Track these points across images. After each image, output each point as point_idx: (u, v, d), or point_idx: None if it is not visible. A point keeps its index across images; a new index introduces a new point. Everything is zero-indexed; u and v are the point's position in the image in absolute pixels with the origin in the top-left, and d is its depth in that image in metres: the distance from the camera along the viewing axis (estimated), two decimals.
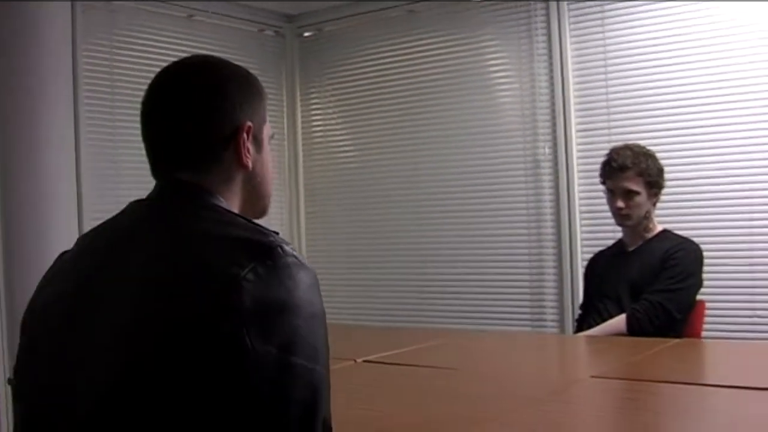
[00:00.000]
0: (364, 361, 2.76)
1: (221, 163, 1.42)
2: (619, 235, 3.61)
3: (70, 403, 1.27)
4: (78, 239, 1.48)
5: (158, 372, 1.19)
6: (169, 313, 1.21)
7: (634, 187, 3.35)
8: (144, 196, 1.45)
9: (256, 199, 1.49)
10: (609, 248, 3.67)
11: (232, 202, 1.44)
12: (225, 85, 1.44)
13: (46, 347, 1.35)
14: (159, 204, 1.41)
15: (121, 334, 1.24)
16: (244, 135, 1.42)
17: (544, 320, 4.70)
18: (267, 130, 1.51)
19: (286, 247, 1.27)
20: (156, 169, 1.44)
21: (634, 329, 3.21)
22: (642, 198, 3.36)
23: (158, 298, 1.24)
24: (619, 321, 3.28)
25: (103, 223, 1.46)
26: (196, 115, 1.40)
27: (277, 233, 1.32)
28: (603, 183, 3.48)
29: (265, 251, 1.24)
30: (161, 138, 1.43)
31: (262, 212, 1.52)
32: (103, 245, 1.39)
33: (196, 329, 1.18)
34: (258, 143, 1.47)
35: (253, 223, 1.33)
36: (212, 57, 1.52)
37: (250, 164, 1.44)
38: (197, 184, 1.40)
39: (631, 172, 3.34)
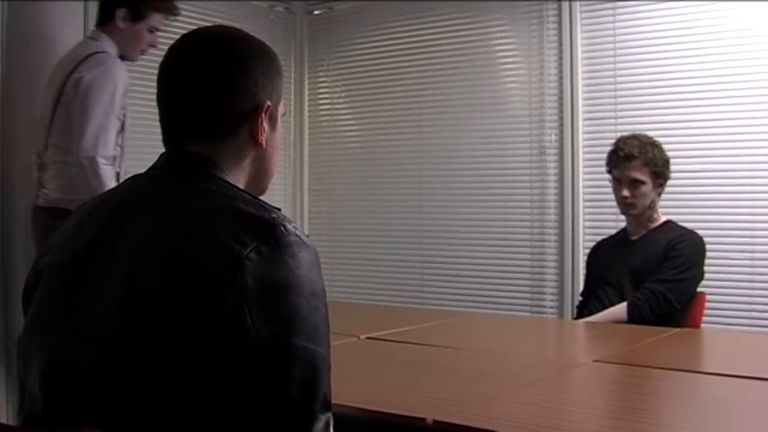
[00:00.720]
0: (368, 338, 2.78)
1: (236, 139, 1.42)
2: (622, 224, 3.63)
3: (73, 369, 1.27)
4: (76, 209, 1.48)
5: (159, 343, 1.20)
6: (169, 286, 1.22)
7: (640, 176, 3.37)
8: (145, 168, 1.45)
9: (261, 176, 1.50)
10: (611, 237, 3.69)
11: (239, 177, 1.44)
12: (250, 61, 1.44)
13: (49, 314, 1.35)
14: (165, 174, 1.41)
15: (121, 304, 1.24)
16: (263, 114, 1.43)
17: (544, 306, 4.72)
18: (281, 109, 1.51)
19: (289, 226, 1.27)
20: (168, 136, 1.44)
21: (634, 317, 3.24)
22: (647, 188, 3.38)
23: (159, 270, 1.24)
24: (620, 308, 3.31)
25: (101, 194, 1.48)
26: (218, 87, 1.40)
27: (280, 209, 1.32)
28: (609, 172, 3.50)
29: (269, 229, 1.25)
30: (179, 104, 1.42)
31: (263, 190, 1.52)
32: (101, 217, 1.38)
33: (197, 306, 1.19)
34: (273, 122, 1.48)
35: (257, 199, 1.34)
36: (238, 30, 1.52)
37: (264, 143, 1.45)
38: (207, 156, 1.40)
39: (638, 162, 3.36)
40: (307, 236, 1.31)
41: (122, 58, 3.50)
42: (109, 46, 3.45)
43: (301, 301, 1.24)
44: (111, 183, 3.23)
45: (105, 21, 3.48)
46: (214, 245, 1.22)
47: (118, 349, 1.22)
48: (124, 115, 3.40)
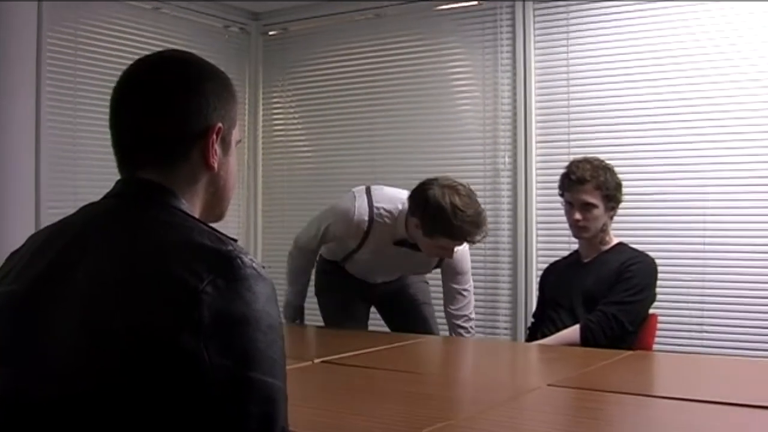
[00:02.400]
0: (322, 361, 2.77)
1: (187, 162, 1.40)
2: (575, 246, 3.65)
3: (24, 404, 1.25)
4: (28, 239, 1.45)
5: (113, 381, 1.18)
6: (124, 322, 1.19)
7: (592, 200, 3.39)
8: (102, 193, 1.43)
9: (216, 202, 1.48)
10: (564, 259, 3.71)
11: (194, 204, 1.42)
12: (201, 83, 1.42)
13: (2, 345, 1.31)
14: (118, 203, 1.39)
15: (77, 339, 1.22)
16: (214, 136, 1.41)
17: (497, 328, 4.74)
18: (235, 134, 1.49)
19: (245, 258, 1.26)
20: (121, 162, 1.42)
21: (587, 340, 3.25)
22: (599, 211, 3.40)
23: (114, 305, 1.22)
24: (573, 331, 3.32)
25: (56, 223, 1.44)
26: (168, 109, 1.39)
27: (236, 240, 1.30)
28: (561, 195, 3.52)
29: (225, 262, 1.23)
30: (130, 128, 1.40)
31: (220, 216, 1.51)
32: (55, 246, 1.36)
33: (153, 341, 1.17)
34: (225, 146, 1.45)
35: (214, 230, 1.32)
36: (190, 54, 1.50)
37: (216, 166, 1.43)
38: (160, 184, 1.38)
39: (590, 185, 3.38)
40: (264, 268, 1.29)
41: None
42: None
43: (258, 335, 1.22)
44: None
45: None
46: (169, 279, 1.21)
47: (74, 385, 1.20)
48: None
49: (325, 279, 3.92)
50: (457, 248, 3.44)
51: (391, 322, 3.95)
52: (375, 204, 3.51)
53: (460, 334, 3.60)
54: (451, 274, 3.64)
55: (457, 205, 3.20)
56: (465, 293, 3.65)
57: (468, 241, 3.37)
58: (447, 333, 3.70)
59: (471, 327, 3.65)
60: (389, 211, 3.49)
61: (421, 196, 3.29)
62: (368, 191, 3.58)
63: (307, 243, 3.75)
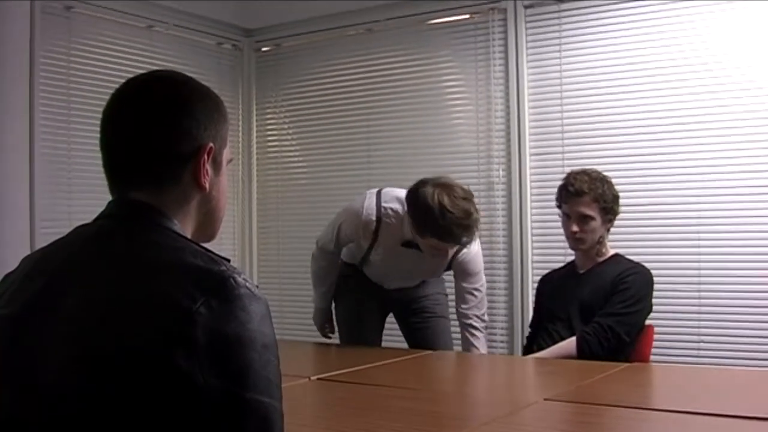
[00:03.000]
0: (318, 378, 2.76)
1: (178, 182, 1.40)
2: (570, 258, 3.65)
3: (19, 428, 1.25)
4: (22, 261, 1.45)
5: (107, 403, 1.18)
6: (117, 344, 1.19)
7: (590, 212, 3.39)
8: (97, 212, 1.43)
9: (208, 222, 1.48)
10: (559, 269, 3.71)
11: (186, 224, 1.42)
12: (191, 103, 1.42)
13: None
14: (110, 225, 1.39)
15: (71, 362, 1.22)
16: (205, 156, 1.41)
17: (494, 341, 4.72)
18: (226, 155, 1.50)
19: (239, 278, 1.26)
20: (113, 183, 1.42)
21: (584, 352, 3.25)
22: (597, 223, 3.40)
23: (106, 327, 1.22)
24: (570, 343, 3.31)
25: (49, 245, 1.44)
26: (158, 129, 1.39)
27: (229, 260, 1.31)
28: (559, 207, 3.52)
29: (218, 283, 1.23)
30: (120, 148, 1.41)
31: (212, 236, 1.51)
32: (48, 269, 1.36)
33: (148, 363, 1.17)
34: (216, 166, 1.46)
35: (206, 250, 1.32)
36: (181, 74, 1.50)
37: (207, 186, 1.43)
38: (151, 205, 1.38)
39: (588, 198, 3.38)
40: (257, 287, 1.29)
41: None
42: None
43: (253, 355, 1.22)
44: None
45: None
46: (163, 301, 1.20)
47: (69, 408, 1.20)
48: None
49: (344, 283, 3.91)
50: (467, 249, 3.48)
51: (406, 331, 3.94)
52: (383, 204, 3.55)
53: (472, 334, 3.60)
54: (462, 275, 3.64)
55: (446, 205, 3.20)
56: (476, 293, 3.64)
57: (457, 243, 3.37)
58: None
59: (482, 328, 3.64)
60: (396, 211, 3.52)
61: (413, 194, 3.32)
62: (379, 192, 3.63)
63: (325, 244, 3.79)
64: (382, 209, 3.54)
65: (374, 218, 3.54)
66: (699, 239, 4.17)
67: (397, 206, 3.52)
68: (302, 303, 5.31)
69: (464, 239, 3.31)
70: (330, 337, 3.99)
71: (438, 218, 3.19)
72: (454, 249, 3.51)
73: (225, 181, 1.50)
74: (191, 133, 1.40)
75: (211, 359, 1.18)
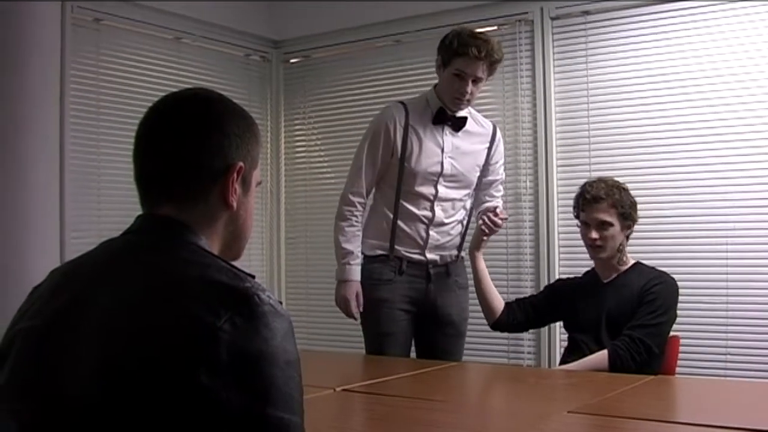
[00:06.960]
0: (343, 389, 2.77)
1: (207, 199, 1.42)
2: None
3: None
4: (49, 274, 1.47)
5: (131, 417, 1.19)
6: (141, 359, 1.21)
7: (608, 218, 3.36)
8: (126, 222, 1.45)
9: (234, 241, 1.50)
10: (578, 278, 3.66)
11: (212, 241, 1.44)
12: (224, 121, 1.44)
13: (22, 381, 1.34)
14: (137, 240, 1.41)
15: (95, 376, 1.23)
16: (235, 174, 1.43)
17: (521, 353, 4.72)
18: (256, 176, 1.51)
19: (263, 295, 1.27)
20: (143, 197, 1.45)
21: (616, 366, 3.19)
22: (616, 229, 3.37)
23: (131, 341, 1.23)
24: (601, 356, 3.25)
25: (76, 259, 1.46)
26: (190, 145, 1.41)
27: (254, 277, 1.32)
28: (577, 216, 3.51)
29: (242, 299, 1.25)
30: (152, 161, 1.43)
31: (237, 255, 1.52)
32: (74, 283, 1.38)
33: (171, 379, 1.18)
34: (246, 186, 1.48)
35: (231, 266, 1.33)
36: (216, 92, 1.53)
37: (235, 204, 1.45)
38: (179, 221, 1.40)
39: (605, 204, 3.37)
40: (280, 303, 1.30)
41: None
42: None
43: (275, 371, 1.23)
44: None
45: None
46: (187, 317, 1.22)
47: (91, 421, 1.21)
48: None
49: (373, 291, 3.76)
50: (499, 138, 3.88)
51: (424, 339, 3.85)
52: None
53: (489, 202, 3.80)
54: (487, 186, 3.86)
55: (472, 29, 3.66)
56: (497, 194, 3.91)
57: (478, 57, 3.51)
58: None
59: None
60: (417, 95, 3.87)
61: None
62: None
63: (352, 193, 3.75)
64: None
65: (398, 102, 3.80)
66: (727, 250, 4.15)
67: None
68: (330, 312, 5.33)
69: (483, 52, 3.50)
70: (356, 319, 3.80)
71: (463, 34, 3.54)
72: (479, 87, 3.66)
73: (253, 202, 1.52)
74: (222, 150, 1.42)
75: (234, 376, 1.19)
